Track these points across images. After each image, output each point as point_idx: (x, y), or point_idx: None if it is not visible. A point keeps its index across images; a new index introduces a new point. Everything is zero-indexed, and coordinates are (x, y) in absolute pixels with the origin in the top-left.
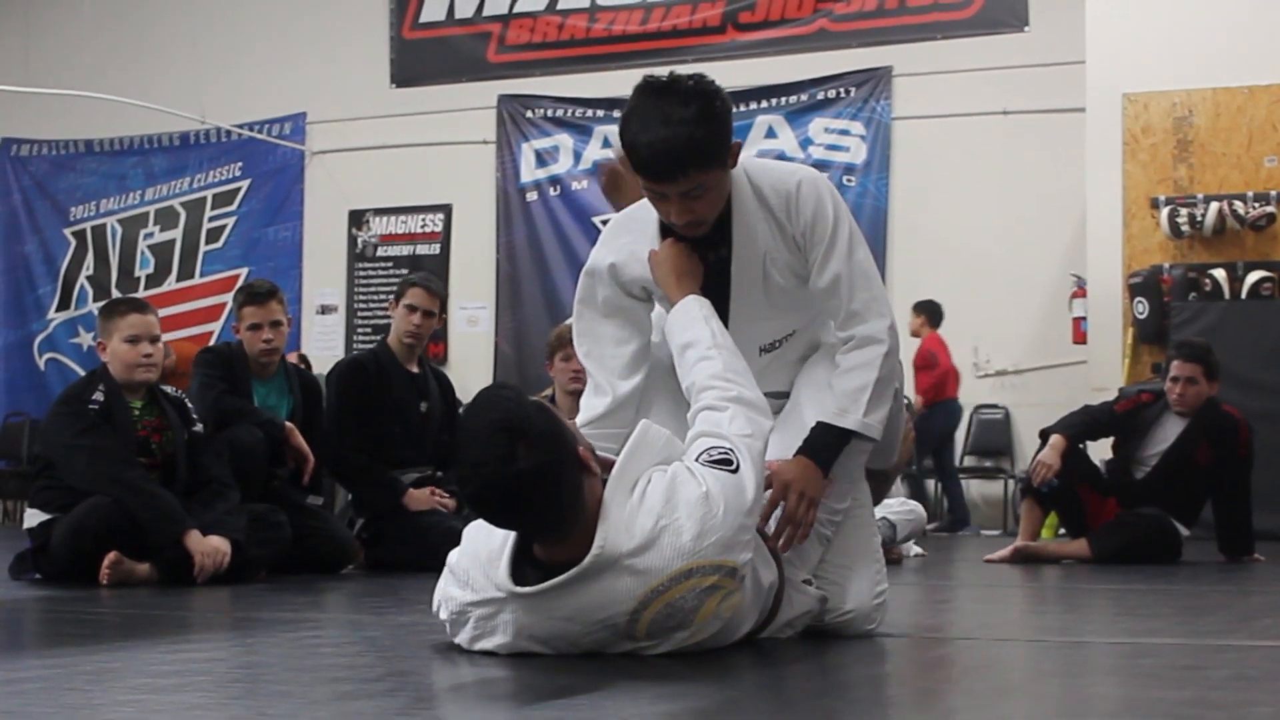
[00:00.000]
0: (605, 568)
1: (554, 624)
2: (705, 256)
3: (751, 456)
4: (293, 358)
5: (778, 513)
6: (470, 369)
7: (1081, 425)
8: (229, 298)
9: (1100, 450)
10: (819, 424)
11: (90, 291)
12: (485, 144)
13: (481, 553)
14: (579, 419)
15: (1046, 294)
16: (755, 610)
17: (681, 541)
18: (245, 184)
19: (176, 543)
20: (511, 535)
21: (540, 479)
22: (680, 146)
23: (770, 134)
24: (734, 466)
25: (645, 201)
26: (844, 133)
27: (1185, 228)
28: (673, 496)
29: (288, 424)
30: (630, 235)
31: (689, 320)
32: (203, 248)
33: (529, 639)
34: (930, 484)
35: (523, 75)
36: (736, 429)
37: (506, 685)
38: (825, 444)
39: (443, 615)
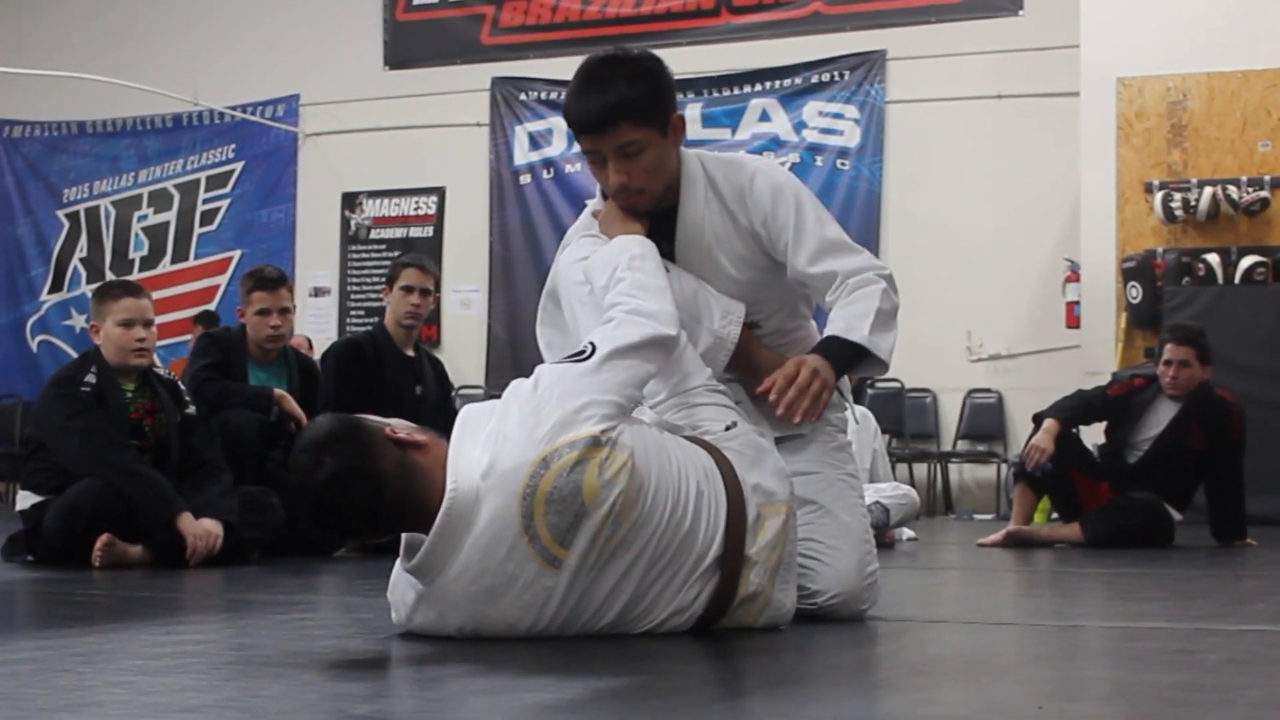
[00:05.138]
0: (467, 504)
1: (476, 599)
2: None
3: (612, 344)
4: (300, 341)
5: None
6: (463, 352)
7: (1075, 409)
8: (222, 280)
9: (1093, 434)
10: (828, 337)
11: (84, 273)
12: (479, 126)
13: (399, 584)
14: None
15: (1040, 278)
16: (700, 502)
17: (517, 439)
18: (239, 166)
19: (169, 525)
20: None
21: (346, 477)
22: (608, 100)
23: (764, 117)
24: (585, 355)
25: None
26: (838, 116)
27: (1179, 212)
28: (504, 407)
29: (276, 391)
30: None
31: (613, 251)
32: (197, 230)
33: (475, 631)
34: (924, 468)
35: (516, 58)
36: (609, 330)
37: (501, 667)
38: (837, 351)
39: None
